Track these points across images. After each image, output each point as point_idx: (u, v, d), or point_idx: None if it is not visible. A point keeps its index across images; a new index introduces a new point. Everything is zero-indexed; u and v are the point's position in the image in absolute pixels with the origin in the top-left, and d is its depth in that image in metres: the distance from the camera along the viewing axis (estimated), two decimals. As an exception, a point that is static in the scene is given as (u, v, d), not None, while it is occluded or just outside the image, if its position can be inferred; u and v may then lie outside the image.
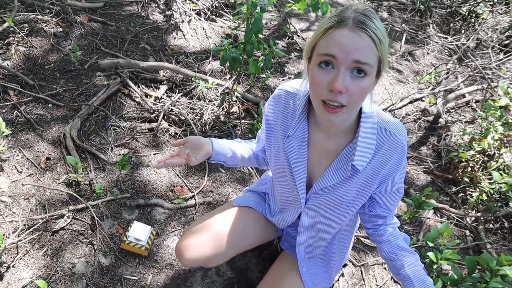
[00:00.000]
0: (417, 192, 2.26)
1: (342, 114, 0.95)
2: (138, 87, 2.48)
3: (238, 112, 2.45)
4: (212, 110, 2.42)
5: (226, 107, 2.46)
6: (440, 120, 2.76)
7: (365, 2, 4.18)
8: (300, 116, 1.12)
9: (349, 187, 1.14)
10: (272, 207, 1.47)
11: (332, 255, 1.44)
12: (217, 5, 3.36)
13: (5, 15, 2.62)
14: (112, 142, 2.14)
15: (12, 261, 1.58)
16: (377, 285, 1.80)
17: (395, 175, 1.13)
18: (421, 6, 4.11)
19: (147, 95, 2.44)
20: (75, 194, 1.83)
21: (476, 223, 2.15)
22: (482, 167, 2.32)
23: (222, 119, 2.40)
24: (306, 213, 1.28)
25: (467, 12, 4.00)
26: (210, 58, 2.86)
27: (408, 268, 1.17)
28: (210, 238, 1.34)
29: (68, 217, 1.76)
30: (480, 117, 2.42)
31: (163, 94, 2.48)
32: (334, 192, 1.17)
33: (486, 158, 2.32)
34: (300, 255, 1.39)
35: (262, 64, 2.21)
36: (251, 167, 2.20)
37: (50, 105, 2.25)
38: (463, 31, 3.88)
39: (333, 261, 1.46)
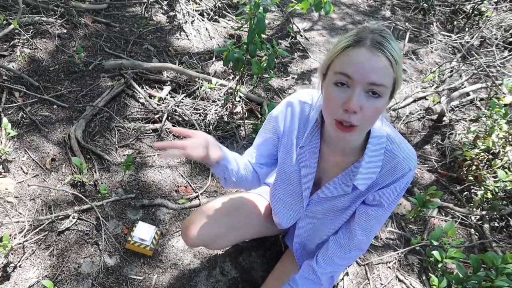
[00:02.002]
0: (421, 191, 2.25)
1: (355, 133, 0.95)
2: (142, 88, 2.49)
3: (241, 112, 2.46)
4: (216, 110, 2.43)
5: (229, 107, 2.46)
6: (444, 118, 2.75)
7: (369, 1, 4.18)
8: (313, 128, 1.12)
9: (347, 197, 1.18)
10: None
11: None
12: (220, 5, 3.37)
13: (10, 17, 2.64)
14: (116, 143, 2.15)
15: (19, 261, 1.60)
16: (382, 284, 1.79)
17: (388, 191, 1.12)
18: (425, 4, 4.09)
19: (151, 96, 2.45)
20: (80, 195, 1.84)
21: (481, 222, 2.14)
22: (486, 165, 2.31)
23: (226, 119, 2.41)
24: (306, 215, 1.32)
25: (471, 10, 3.98)
26: (214, 59, 2.87)
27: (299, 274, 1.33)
28: (215, 218, 1.36)
29: (73, 217, 1.77)
30: (484, 115, 2.41)
31: (167, 95, 2.49)
32: (333, 202, 1.21)
33: (490, 156, 2.31)
34: (298, 252, 1.43)
35: (265, 64, 2.21)
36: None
37: (55, 106, 2.26)
38: (467, 29, 3.87)
39: None
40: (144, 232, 1.70)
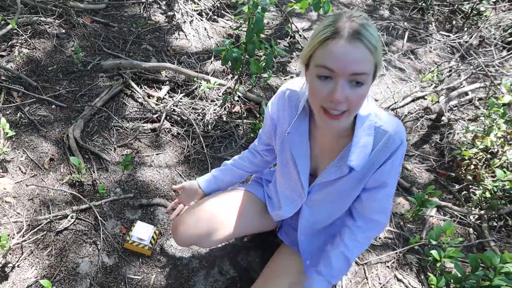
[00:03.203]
0: (420, 190, 2.25)
1: (343, 119, 0.97)
2: (141, 87, 2.49)
3: (240, 111, 2.46)
4: (214, 110, 2.43)
5: (228, 107, 2.46)
6: (443, 118, 2.75)
7: (367, 0, 4.18)
8: (301, 114, 1.15)
9: (347, 180, 1.18)
10: (273, 200, 1.49)
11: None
12: (218, 5, 3.37)
13: (8, 17, 2.64)
14: (115, 143, 2.15)
15: (17, 261, 1.60)
16: (380, 283, 1.79)
17: (385, 166, 1.13)
18: (423, 4, 4.10)
19: (149, 96, 2.45)
20: (78, 195, 1.84)
21: (479, 221, 2.14)
22: (485, 165, 2.31)
23: (224, 119, 2.41)
24: (307, 205, 1.31)
25: (469, 10, 3.99)
26: (212, 58, 2.87)
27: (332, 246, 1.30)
28: (204, 216, 1.38)
29: (71, 217, 1.77)
30: (483, 115, 2.41)
31: (165, 95, 2.49)
32: (334, 185, 1.20)
33: (489, 156, 2.31)
34: (302, 244, 1.41)
35: (263, 64, 2.21)
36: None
37: (53, 106, 2.26)
38: (465, 29, 3.87)
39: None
40: (142, 232, 1.70)
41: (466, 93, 3.01)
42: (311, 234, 1.41)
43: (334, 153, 1.16)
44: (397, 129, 1.08)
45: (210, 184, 1.56)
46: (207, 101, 2.50)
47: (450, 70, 3.22)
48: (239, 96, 2.50)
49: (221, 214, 1.41)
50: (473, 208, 2.18)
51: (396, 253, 1.92)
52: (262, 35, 3.12)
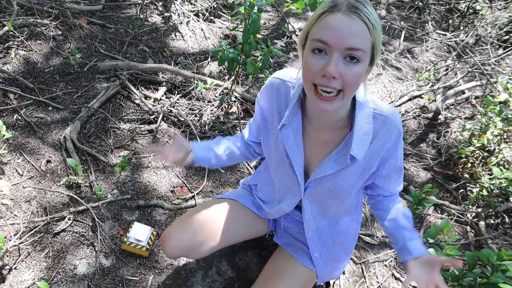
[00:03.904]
0: (417, 189, 2.26)
1: (337, 102, 0.95)
2: (138, 89, 2.49)
3: (237, 112, 2.46)
4: (211, 110, 2.43)
5: (225, 107, 2.46)
6: (440, 116, 2.76)
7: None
8: (295, 106, 1.12)
9: (347, 174, 1.15)
10: (265, 198, 1.47)
11: (341, 235, 1.45)
12: (215, 6, 3.37)
13: (4, 19, 2.63)
14: (112, 144, 2.15)
15: (14, 263, 1.59)
16: (378, 282, 1.80)
17: (394, 156, 1.14)
18: (420, 3, 4.11)
19: (146, 97, 2.45)
20: (75, 196, 1.84)
21: (476, 219, 2.14)
22: (482, 163, 2.31)
23: (222, 119, 2.41)
24: (307, 199, 1.28)
25: (465, 9, 4.00)
26: (209, 59, 2.87)
27: (408, 241, 1.22)
28: (190, 229, 1.36)
29: (69, 219, 1.77)
30: (479, 113, 2.42)
31: (162, 96, 2.49)
32: (333, 180, 1.18)
33: (486, 154, 2.32)
34: (311, 241, 1.39)
35: (260, 64, 2.21)
36: (250, 167, 2.20)
37: (50, 108, 2.26)
38: (462, 28, 3.88)
39: (343, 242, 1.46)
40: (140, 233, 1.70)
41: (462, 92, 3.02)
42: (318, 233, 1.39)
43: (331, 145, 1.14)
44: (394, 113, 1.09)
45: (202, 148, 1.39)
46: (204, 101, 2.50)
47: (447, 69, 3.23)
48: (236, 97, 2.50)
49: (208, 226, 1.38)
50: (470, 206, 2.19)
51: (394, 251, 1.92)
52: (258, 36, 3.12)
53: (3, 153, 1.92)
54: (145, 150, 1.29)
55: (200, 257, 1.41)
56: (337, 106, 0.96)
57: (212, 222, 1.40)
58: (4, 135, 1.93)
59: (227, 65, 2.14)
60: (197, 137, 2.23)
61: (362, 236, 1.97)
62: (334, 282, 1.74)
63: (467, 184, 2.33)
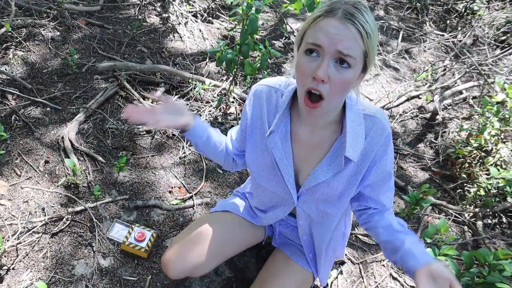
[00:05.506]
0: (414, 189, 2.26)
1: (321, 109, 0.96)
2: (136, 89, 2.49)
3: (235, 113, 2.46)
4: (210, 111, 2.43)
5: (223, 108, 2.47)
6: (437, 117, 2.77)
7: (362, 1, 4.20)
8: (284, 111, 1.12)
9: (340, 179, 1.14)
10: (260, 206, 1.44)
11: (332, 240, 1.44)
12: (213, 6, 3.37)
13: (2, 20, 2.63)
14: (110, 145, 2.15)
15: (12, 264, 1.59)
16: (376, 282, 1.80)
17: (383, 158, 1.12)
18: (418, 3, 4.12)
19: (144, 98, 2.45)
20: (73, 197, 1.84)
21: (474, 219, 2.15)
22: (479, 163, 2.32)
23: (220, 120, 2.41)
24: (301, 207, 1.26)
25: (463, 9, 4.01)
26: (207, 60, 2.87)
27: (409, 243, 1.07)
28: (190, 251, 1.34)
29: (67, 219, 1.77)
30: (477, 113, 2.42)
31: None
32: (327, 187, 1.16)
33: (483, 154, 2.33)
34: (306, 244, 1.39)
35: (258, 65, 2.21)
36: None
37: (48, 108, 2.26)
38: (459, 28, 3.89)
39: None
40: (139, 235, 1.70)
41: (460, 92, 3.03)
42: (312, 236, 1.38)
43: (320, 151, 1.13)
44: (382, 114, 1.09)
45: (202, 124, 1.29)
46: (202, 102, 2.50)
47: (444, 69, 3.24)
48: (234, 97, 2.51)
49: (207, 246, 1.36)
50: (467, 206, 2.19)
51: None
52: (256, 36, 3.12)
53: (1, 154, 1.92)
54: (128, 111, 1.13)
55: (203, 274, 1.40)
56: (322, 113, 0.98)
57: (211, 240, 1.37)
58: (2, 136, 1.93)
59: (225, 66, 2.14)
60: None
61: (359, 236, 1.98)
62: (332, 282, 1.75)
63: (465, 184, 2.33)
